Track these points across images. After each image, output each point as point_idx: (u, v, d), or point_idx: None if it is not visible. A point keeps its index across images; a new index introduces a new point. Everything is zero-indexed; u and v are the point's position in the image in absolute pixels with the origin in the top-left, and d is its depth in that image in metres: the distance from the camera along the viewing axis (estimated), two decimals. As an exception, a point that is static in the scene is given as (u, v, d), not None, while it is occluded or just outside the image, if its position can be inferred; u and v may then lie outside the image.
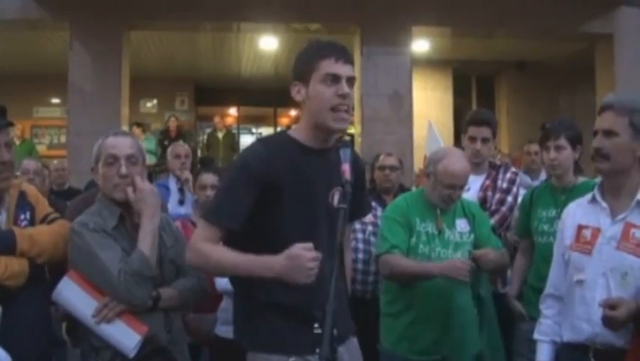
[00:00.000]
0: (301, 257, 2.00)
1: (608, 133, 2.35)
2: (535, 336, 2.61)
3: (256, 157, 2.18)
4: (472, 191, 3.60)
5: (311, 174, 2.19)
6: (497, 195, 3.70)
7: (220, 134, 12.23)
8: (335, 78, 2.13)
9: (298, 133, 2.25)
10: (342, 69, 2.15)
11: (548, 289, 2.62)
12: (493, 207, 3.69)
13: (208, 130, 13.28)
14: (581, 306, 2.37)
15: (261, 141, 2.33)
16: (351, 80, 2.17)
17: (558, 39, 10.19)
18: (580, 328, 2.37)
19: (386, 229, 3.22)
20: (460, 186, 3.15)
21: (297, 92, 2.21)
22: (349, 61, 2.18)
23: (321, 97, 2.14)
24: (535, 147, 5.87)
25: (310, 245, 2.02)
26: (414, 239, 3.15)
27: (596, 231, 2.39)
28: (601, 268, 2.33)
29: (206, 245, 2.15)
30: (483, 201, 3.67)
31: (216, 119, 12.52)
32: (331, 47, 2.18)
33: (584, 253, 2.40)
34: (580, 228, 2.46)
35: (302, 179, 2.17)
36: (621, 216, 2.35)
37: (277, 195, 2.14)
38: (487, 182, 3.75)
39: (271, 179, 2.12)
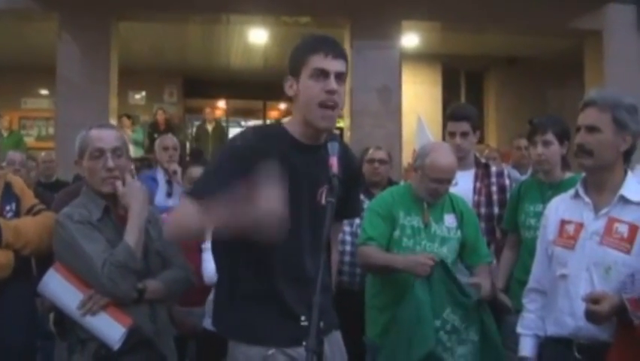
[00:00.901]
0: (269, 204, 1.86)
1: (591, 129, 2.36)
2: (518, 330, 2.63)
3: (244, 140, 2.18)
4: (459, 186, 3.60)
5: (298, 167, 2.16)
6: (496, 211, 3.69)
7: (209, 127, 12.15)
8: (323, 73, 2.10)
9: (291, 126, 2.23)
10: (331, 64, 2.11)
11: (531, 283, 2.64)
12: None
13: (197, 123, 13.22)
14: (564, 300, 2.38)
15: (252, 127, 2.34)
16: (340, 76, 2.13)
17: (547, 35, 10.21)
18: (564, 322, 2.38)
19: (366, 221, 3.22)
20: (447, 180, 3.16)
21: (290, 86, 2.18)
22: (340, 56, 2.14)
23: (309, 92, 2.11)
24: (524, 142, 5.79)
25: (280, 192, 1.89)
26: (397, 232, 3.16)
27: (579, 226, 2.40)
28: (584, 262, 2.35)
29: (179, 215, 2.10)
30: (477, 205, 3.67)
31: (207, 111, 12.43)
32: (322, 42, 2.15)
33: (567, 248, 2.41)
34: (563, 223, 2.47)
35: (289, 170, 2.13)
36: (604, 211, 2.36)
37: None
38: (479, 184, 3.73)
39: (257, 163, 2.06)
